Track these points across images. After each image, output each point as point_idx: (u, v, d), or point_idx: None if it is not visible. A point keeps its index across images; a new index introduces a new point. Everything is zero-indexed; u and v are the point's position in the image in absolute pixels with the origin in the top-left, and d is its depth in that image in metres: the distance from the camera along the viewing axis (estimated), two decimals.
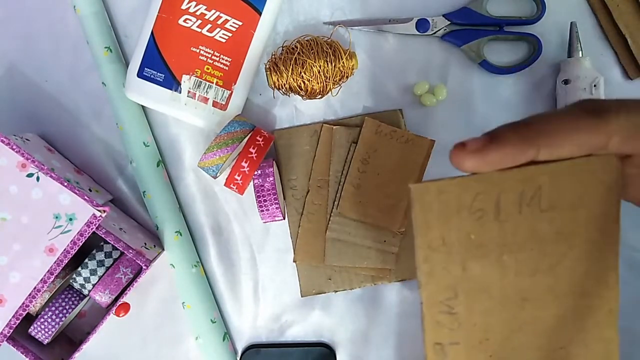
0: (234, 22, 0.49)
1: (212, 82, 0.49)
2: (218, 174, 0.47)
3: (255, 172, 0.47)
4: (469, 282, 0.26)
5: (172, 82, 0.49)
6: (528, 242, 0.26)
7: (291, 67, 0.47)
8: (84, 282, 0.48)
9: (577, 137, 0.24)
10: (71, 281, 0.49)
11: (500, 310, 0.27)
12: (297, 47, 0.48)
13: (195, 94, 0.49)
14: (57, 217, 0.43)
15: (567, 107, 0.25)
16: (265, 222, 0.51)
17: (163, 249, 0.52)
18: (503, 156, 0.25)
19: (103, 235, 0.46)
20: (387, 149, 0.50)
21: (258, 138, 0.47)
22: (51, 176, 0.43)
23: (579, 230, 0.26)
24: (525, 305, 0.27)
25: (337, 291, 0.52)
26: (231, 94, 0.50)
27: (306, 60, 0.47)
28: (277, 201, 0.47)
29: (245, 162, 0.46)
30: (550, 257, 0.26)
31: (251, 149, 0.46)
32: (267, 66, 0.49)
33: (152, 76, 0.49)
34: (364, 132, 0.50)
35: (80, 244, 0.43)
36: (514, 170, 0.25)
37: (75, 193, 0.43)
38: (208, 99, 0.49)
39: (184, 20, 0.49)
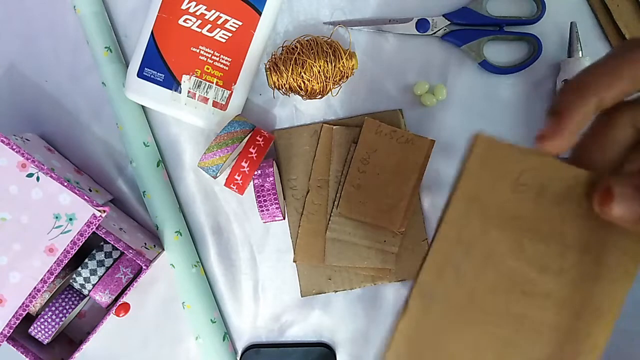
0: (234, 22, 0.49)
1: (212, 82, 0.49)
2: (218, 174, 0.47)
3: (255, 172, 0.47)
4: (483, 247, 0.26)
5: (172, 82, 0.49)
6: (552, 237, 0.25)
7: (291, 67, 0.47)
8: (84, 282, 0.48)
9: (629, 71, 0.23)
10: (71, 281, 0.49)
11: (499, 291, 0.26)
12: (297, 47, 0.48)
13: (195, 94, 0.49)
14: (57, 217, 0.43)
15: (609, 52, 0.25)
16: (265, 222, 0.51)
17: (163, 249, 0.52)
18: (576, 123, 0.24)
19: (103, 235, 0.46)
20: (387, 149, 0.50)
21: (258, 138, 0.47)
22: (51, 176, 0.43)
23: (598, 252, 0.25)
24: (521, 299, 0.26)
25: (337, 291, 0.52)
26: (231, 94, 0.50)
27: (306, 60, 0.47)
28: (277, 201, 0.47)
29: (245, 162, 0.46)
30: (564, 262, 0.26)
31: (251, 149, 0.46)
32: (267, 66, 0.49)
33: (152, 76, 0.49)
34: (364, 132, 0.50)
35: (80, 244, 0.43)
36: (573, 166, 0.25)
37: (75, 193, 0.43)
38: (208, 99, 0.49)
39: (184, 20, 0.49)
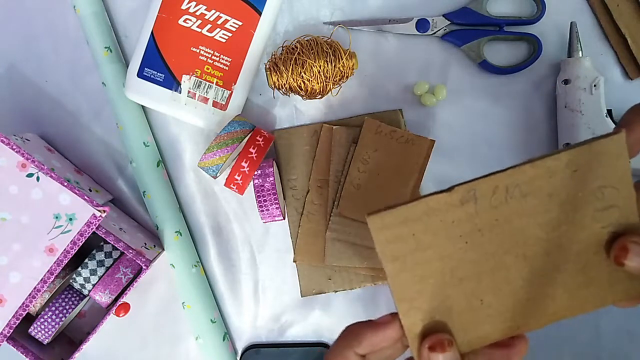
0: (234, 22, 0.49)
1: (212, 82, 0.49)
2: (218, 174, 0.47)
3: (255, 172, 0.47)
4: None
5: (172, 82, 0.49)
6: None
7: (291, 67, 0.47)
8: (84, 282, 0.48)
9: None
10: (71, 281, 0.49)
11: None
12: (297, 47, 0.48)
13: (195, 94, 0.49)
14: (57, 217, 0.43)
15: None
16: (265, 222, 0.51)
17: (163, 249, 0.52)
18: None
19: (103, 235, 0.46)
20: (387, 149, 0.50)
21: (258, 138, 0.47)
22: (51, 176, 0.43)
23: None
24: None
25: (337, 291, 0.52)
26: (231, 94, 0.50)
27: (306, 60, 0.47)
28: (277, 201, 0.47)
29: (245, 162, 0.46)
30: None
31: (251, 149, 0.46)
32: (267, 66, 0.49)
33: (152, 76, 0.49)
34: (364, 132, 0.50)
35: (80, 244, 0.43)
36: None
37: (75, 193, 0.43)
38: (208, 99, 0.50)
39: (184, 20, 0.49)
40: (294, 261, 0.52)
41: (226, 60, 0.49)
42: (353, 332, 0.30)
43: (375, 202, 0.50)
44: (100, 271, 0.48)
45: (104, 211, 0.43)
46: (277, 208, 0.48)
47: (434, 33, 0.51)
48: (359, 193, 0.50)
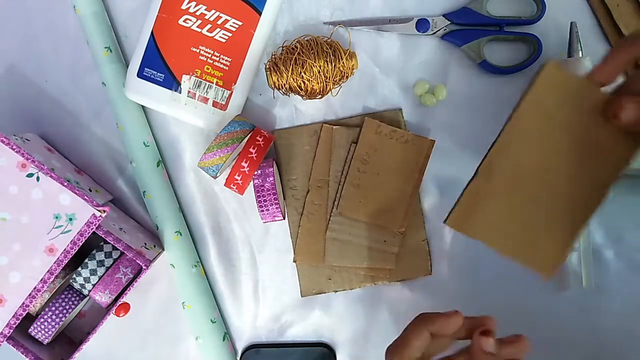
0: (234, 22, 0.49)
1: (212, 82, 0.49)
2: (218, 174, 0.47)
3: (255, 172, 0.47)
4: (537, 140, 0.38)
5: (172, 82, 0.49)
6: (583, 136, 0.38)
7: (291, 67, 0.47)
8: (84, 282, 0.48)
9: None
10: (71, 281, 0.49)
11: (539, 172, 0.38)
12: (297, 47, 0.48)
13: (195, 94, 0.49)
14: (57, 217, 0.43)
15: None
16: (265, 222, 0.51)
17: (163, 249, 0.52)
18: (614, 67, 0.36)
19: (103, 235, 0.46)
20: (387, 149, 0.50)
21: (258, 138, 0.47)
22: (51, 176, 0.43)
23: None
24: (552, 177, 0.38)
25: (337, 291, 0.52)
26: (231, 94, 0.50)
27: (306, 60, 0.47)
28: (277, 201, 0.47)
29: (245, 162, 0.46)
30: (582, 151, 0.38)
31: (251, 149, 0.46)
32: (267, 66, 0.49)
33: (152, 76, 0.49)
34: (364, 132, 0.50)
35: (80, 244, 0.43)
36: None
37: (75, 193, 0.43)
38: (208, 99, 0.50)
39: (184, 20, 0.49)
40: (294, 261, 0.52)
41: (226, 60, 0.49)
42: (427, 315, 0.37)
43: (375, 202, 0.50)
44: (100, 271, 0.48)
45: (104, 211, 0.43)
46: (277, 208, 0.48)
47: (434, 33, 0.51)
48: (359, 193, 0.50)
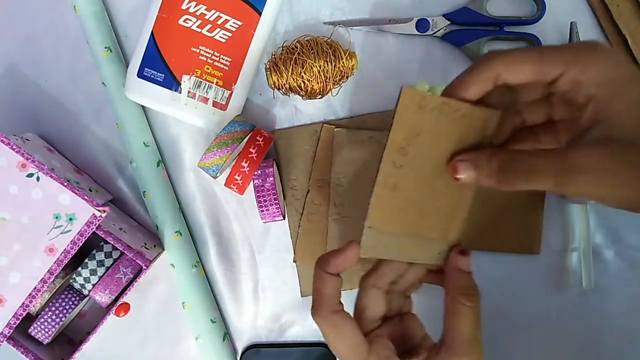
0: (234, 22, 0.49)
1: (212, 82, 0.49)
2: (218, 174, 0.47)
3: (255, 172, 0.47)
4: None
5: (172, 82, 0.49)
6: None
7: (291, 67, 0.47)
8: (84, 282, 0.48)
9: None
10: (71, 281, 0.49)
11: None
12: (297, 47, 0.48)
13: (195, 94, 0.49)
14: (57, 217, 0.43)
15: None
16: (265, 222, 0.51)
17: (163, 249, 0.52)
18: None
19: (103, 235, 0.46)
20: (435, 131, 0.34)
21: (258, 138, 0.47)
22: (51, 176, 0.43)
23: None
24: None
25: None
26: (231, 94, 0.50)
27: (306, 60, 0.47)
28: (277, 201, 0.47)
29: (245, 162, 0.46)
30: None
31: (251, 149, 0.46)
32: (267, 66, 0.49)
33: (152, 76, 0.49)
34: (401, 109, 0.33)
35: (80, 244, 0.43)
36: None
37: (75, 193, 0.43)
38: (208, 99, 0.50)
39: (184, 20, 0.49)
40: (294, 261, 0.52)
41: (226, 60, 0.49)
42: (321, 258, 0.36)
43: (421, 206, 0.36)
44: (100, 271, 0.48)
45: (104, 211, 0.43)
46: (277, 208, 0.48)
47: (434, 33, 0.51)
48: (396, 196, 0.35)
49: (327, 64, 0.47)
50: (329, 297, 0.35)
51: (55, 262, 0.43)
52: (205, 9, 0.49)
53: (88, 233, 0.43)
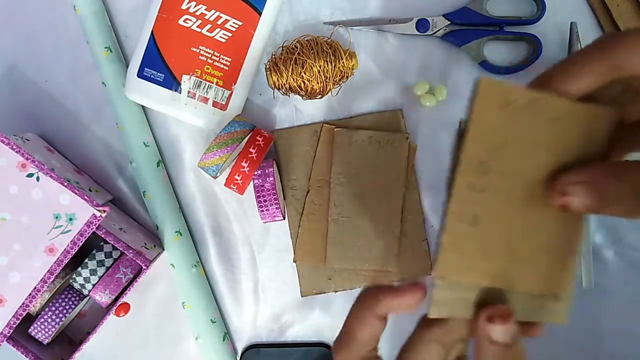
0: (234, 22, 0.49)
1: (212, 82, 0.49)
2: (218, 174, 0.47)
3: (255, 172, 0.47)
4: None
5: (172, 82, 0.49)
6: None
7: (291, 67, 0.47)
8: (84, 282, 0.48)
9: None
10: (71, 281, 0.49)
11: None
12: (297, 47, 0.48)
13: (195, 94, 0.49)
14: (57, 217, 0.43)
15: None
16: (265, 222, 0.51)
17: (163, 249, 0.52)
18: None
19: (103, 235, 0.46)
20: (526, 137, 0.26)
21: (258, 138, 0.47)
22: (51, 176, 0.43)
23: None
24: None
25: (337, 291, 0.52)
26: (231, 94, 0.50)
27: (306, 60, 0.47)
28: (277, 201, 0.47)
29: (245, 162, 0.46)
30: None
31: (251, 149, 0.46)
32: (267, 66, 0.49)
33: (152, 76, 0.49)
34: (478, 108, 0.26)
35: (80, 244, 0.43)
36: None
37: (75, 193, 0.43)
38: (208, 99, 0.50)
39: (184, 20, 0.49)
40: (294, 261, 0.52)
41: (226, 60, 0.49)
42: (370, 293, 0.28)
43: (516, 249, 0.27)
44: (100, 271, 0.48)
45: (104, 211, 0.43)
46: (277, 208, 0.48)
47: (434, 33, 0.51)
48: (478, 233, 0.26)
49: (327, 64, 0.47)
50: (364, 343, 0.28)
51: (55, 262, 0.43)
52: (205, 9, 0.49)
53: (88, 233, 0.43)
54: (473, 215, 0.25)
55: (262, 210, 0.48)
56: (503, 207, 0.26)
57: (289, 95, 0.50)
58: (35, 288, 0.44)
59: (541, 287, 0.26)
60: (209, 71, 0.49)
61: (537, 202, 0.26)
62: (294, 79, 0.48)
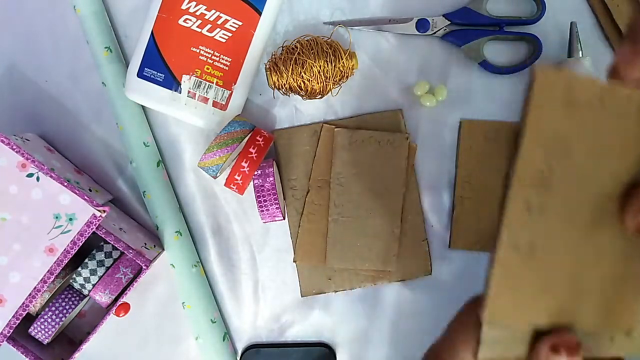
0: (234, 22, 0.49)
1: (212, 82, 0.49)
2: (218, 174, 0.47)
3: (255, 172, 0.47)
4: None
5: (172, 82, 0.49)
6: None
7: (291, 67, 0.47)
8: (84, 282, 0.48)
9: None
10: (71, 281, 0.49)
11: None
12: (297, 47, 0.48)
13: (195, 94, 0.49)
14: (57, 217, 0.43)
15: None
16: (265, 222, 0.51)
17: (163, 249, 0.52)
18: None
19: (103, 235, 0.46)
20: (595, 140, 0.21)
21: (258, 138, 0.47)
22: (51, 176, 0.43)
23: None
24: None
25: (337, 291, 0.52)
26: (231, 94, 0.50)
27: (306, 60, 0.47)
28: (277, 201, 0.47)
29: (245, 162, 0.46)
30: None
31: (251, 149, 0.46)
32: (267, 66, 0.49)
33: (152, 76, 0.49)
34: (537, 105, 0.22)
35: (80, 244, 0.43)
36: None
37: (75, 193, 0.43)
38: (208, 99, 0.50)
39: (184, 20, 0.49)
40: (294, 261, 0.52)
41: (226, 60, 0.49)
42: (467, 328, 0.24)
43: (582, 282, 0.22)
44: (100, 271, 0.48)
45: (104, 211, 0.43)
46: (277, 208, 0.48)
47: (434, 33, 0.51)
48: (535, 265, 0.22)
49: (327, 64, 0.47)
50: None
51: (55, 262, 0.43)
52: (205, 9, 0.49)
53: (88, 233, 0.43)
54: (529, 243, 0.21)
55: (262, 210, 0.48)
56: (566, 231, 0.21)
57: (289, 95, 0.50)
58: (35, 288, 0.44)
59: (611, 322, 0.22)
60: (209, 71, 0.49)
61: (607, 222, 0.21)
62: (294, 79, 0.48)
